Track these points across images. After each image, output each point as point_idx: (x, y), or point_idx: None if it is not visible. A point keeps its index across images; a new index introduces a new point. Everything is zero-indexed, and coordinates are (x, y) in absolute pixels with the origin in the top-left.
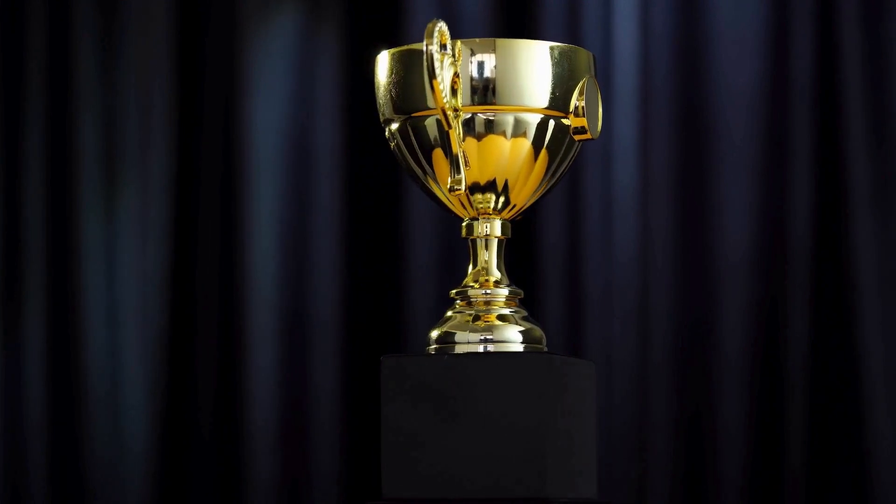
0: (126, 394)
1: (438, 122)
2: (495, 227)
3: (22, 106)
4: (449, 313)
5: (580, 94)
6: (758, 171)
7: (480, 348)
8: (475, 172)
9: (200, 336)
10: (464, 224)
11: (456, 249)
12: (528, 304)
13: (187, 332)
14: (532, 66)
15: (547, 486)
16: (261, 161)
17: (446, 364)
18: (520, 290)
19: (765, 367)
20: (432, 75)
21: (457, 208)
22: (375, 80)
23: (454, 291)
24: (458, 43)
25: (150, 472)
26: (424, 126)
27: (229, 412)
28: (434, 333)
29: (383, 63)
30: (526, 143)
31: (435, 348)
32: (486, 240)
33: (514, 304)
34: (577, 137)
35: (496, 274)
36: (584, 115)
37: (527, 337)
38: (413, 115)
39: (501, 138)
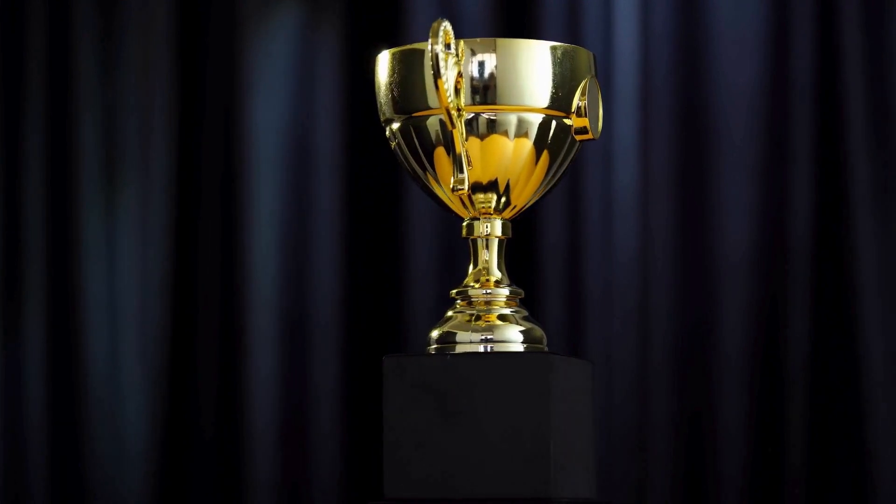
0: (126, 394)
1: (441, 121)
2: (496, 227)
3: (22, 106)
4: (449, 313)
5: (582, 93)
6: (758, 171)
7: (481, 348)
8: (477, 172)
9: (201, 336)
10: (464, 224)
11: (456, 249)
12: (528, 304)
13: (187, 332)
14: (533, 65)
15: (550, 486)
16: (261, 161)
17: (448, 364)
18: (520, 290)
19: (765, 367)
20: (437, 75)
21: (458, 208)
22: (376, 80)
23: (455, 291)
24: (462, 42)
25: (151, 472)
26: (426, 126)
27: (229, 412)
28: (435, 333)
29: (384, 63)
30: (527, 143)
31: (435, 348)
32: (487, 240)
33: (514, 303)
34: (578, 137)
35: (497, 274)
36: (586, 115)
37: (527, 337)
38: (414, 114)
39: (503, 138)
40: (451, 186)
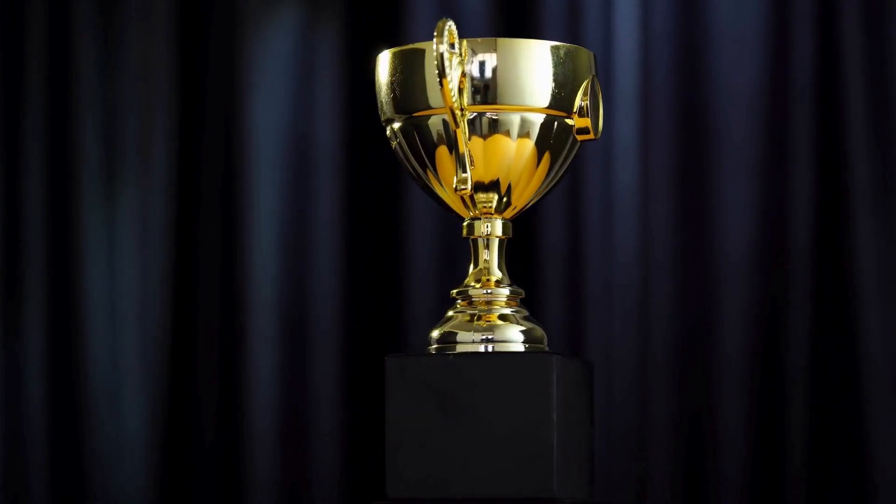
0: (127, 394)
1: (443, 121)
2: (496, 227)
3: (22, 106)
4: (450, 313)
5: (584, 94)
6: (758, 171)
7: (482, 348)
8: (478, 172)
9: (201, 336)
10: (465, 224)
11: (456, 249)
12: (528, 303)
13: (188, 332)
14: (533, 65)
15: (552, 486)
16: (261, 161)
17: (450, 364)
18: (521, 290)
19: (765, 367)
20: (442, 74)
21: (458, 208)
22: (377, 80)
23: (455, 291)
24: (465, 42)
25: (151, 472)
26: (428, 125)
27: (230, 413)
28: (435, 333)
29: (385, 62)
30: (529, 143)
31: (436, 348)
32: (488, 239)
33: (515, 303)
34: (580, 138)
35: (497, 274)
36: (588, 115)
37: (528, 337)
38: (415, 114)
39: (505, 138)
40: (454, 186)
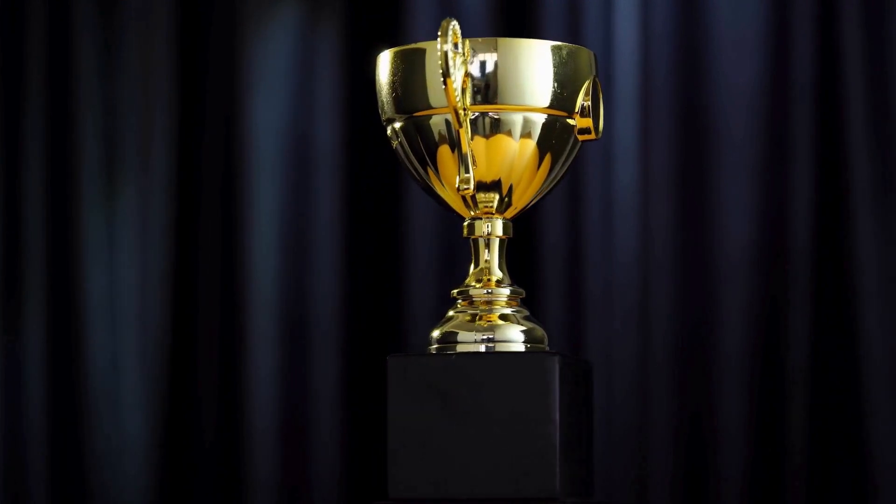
0: (126, 394)
1: (445, 120)
2: (497, 227)
3: (22, 106)
4: (451, 313)
5: (586, 93)
6: (758, 171)
7: (482, 348)
8: (480, 171)
9: (201, 336)
10: (465, 224)
11: (456, 249)
12: (528, 303)
13: (188, 332)
14: (534, 65)
15: (554, 485)
16: (261, 161)
17: (452, 364)
18: (521, 290)
19: (765, 367)
20: (446, 74)
21: (459, 207)
22: (377, 79)
23: (456, 291)
24: (468, 42)
25: (151, 472)
26: (429, 125)
27: (230, 412)
28: (436, 333)
29: (386, 62)
30: (531, 143)
31: (436, 348)
32: (488, 239)
33: (515, 303)
34: (581, 138)
35: (498, 273)
36: (590, 115)
37: (529, 336)
38: (417, 113)
39: (507, 138)
40: (457, 186)
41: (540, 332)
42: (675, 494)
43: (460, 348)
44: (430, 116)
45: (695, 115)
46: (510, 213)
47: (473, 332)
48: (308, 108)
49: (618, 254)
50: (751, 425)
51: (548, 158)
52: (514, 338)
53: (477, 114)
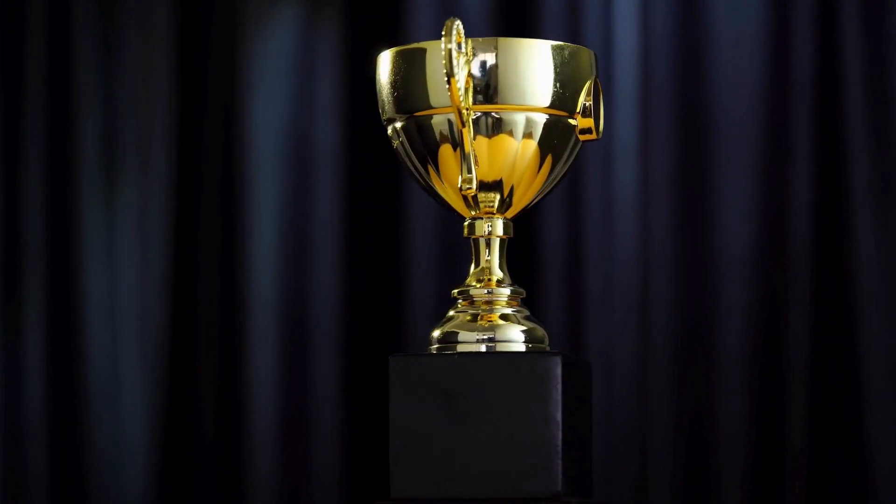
0: (126, 394)
1: (448, 120)
2: (497, 227)
3: (22, 106)
4: (451, 313)
5: (588, 93)
6: (758, 171)
7: (483, 348)
8: (481, 171)
9: (201, 336)
10: (466, 223)
11: (457, 249)
12: (528, 303)
13: (188, 332)
14: (534, 65)
15: (556, 485)
16: (261, 161)
17: (455, 363)
18: (522, 290)
19: (765, 367)
20: (451, 73)
21: (460, 207)
22: (378, 79)
23: (456, 291)
24: (470, 42)
25: (151, 472)
26: (431, 124)
27: (230, 412)
28: (436, 333)
29: (387, 62)
30: (532, 143)
31: (437, 348)
32: (489, 239)
33: (515, 303)
34: (582, 138)
35: (498, 273)
36: (591, 116)
37: (529, 336)
38: (417, 113)
39: (508, 137)
40: (459, 186)
41: (541, 331)
42: (675, 494)
43: (461, 348)
44: (431, 116)
45: (695, 115)
46: (511, 212)
47: (474, 332)
48: (308, 108)
49: (618, 253)
50: (751, 425)
51: (549, 158)
52: (514, 338)
53: (479, 113)
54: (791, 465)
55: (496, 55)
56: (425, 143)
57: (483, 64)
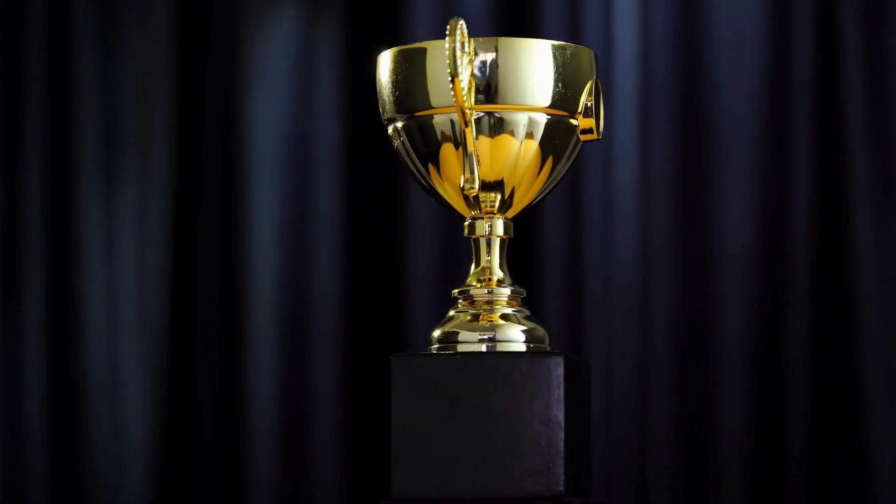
0: (126, 394)
1: (451, 120)
2: (498, 227)
3: (22, 106)
4: (451, 313)
5: (589, 93)
6: (758, 171)
7: (483, 348)
8: (483, 171)
9: (201, 336)
10: (466, 223)
11: (457, 249)
12: (528, 303)
13: (188, 332)
14: (534, 65)
15: (557, 485)
16: (261, 161)
17: (456, 363)
18: (522, 290)
19: (765, 367)
20: (455, 73)
21: (461, 207)
22: (378, 79)
23: (456, 291)
24: (473, 41)
25: (151, 472)
26: (431, 124)
27: (229, 412)
28: (437, 333)
29: (387, 61)
30: (533, 143)
31: (437, 348)
32: (489, 239)
33: (516, 303)
34: (583, 138)
35: (498, 273)
36: (593, 116)
37: (530, 336)
38: (418, 113)
39: (510, 137)
40: (461, 186)
41: (541, 331)
42: (675, 494)
43: (461, 348)
44: (432, 116)
45: (695, 115)
46: (511, 212)
47: (475, 332)
48: (308, 108)
49: (618, 253)
50: (751, 425)
51: (550, 159)
52: (515, 337)
53: (481, 113)
54: (791, 465)
55: (497, 55)
56: (426, 143)
57: (484, 64)
